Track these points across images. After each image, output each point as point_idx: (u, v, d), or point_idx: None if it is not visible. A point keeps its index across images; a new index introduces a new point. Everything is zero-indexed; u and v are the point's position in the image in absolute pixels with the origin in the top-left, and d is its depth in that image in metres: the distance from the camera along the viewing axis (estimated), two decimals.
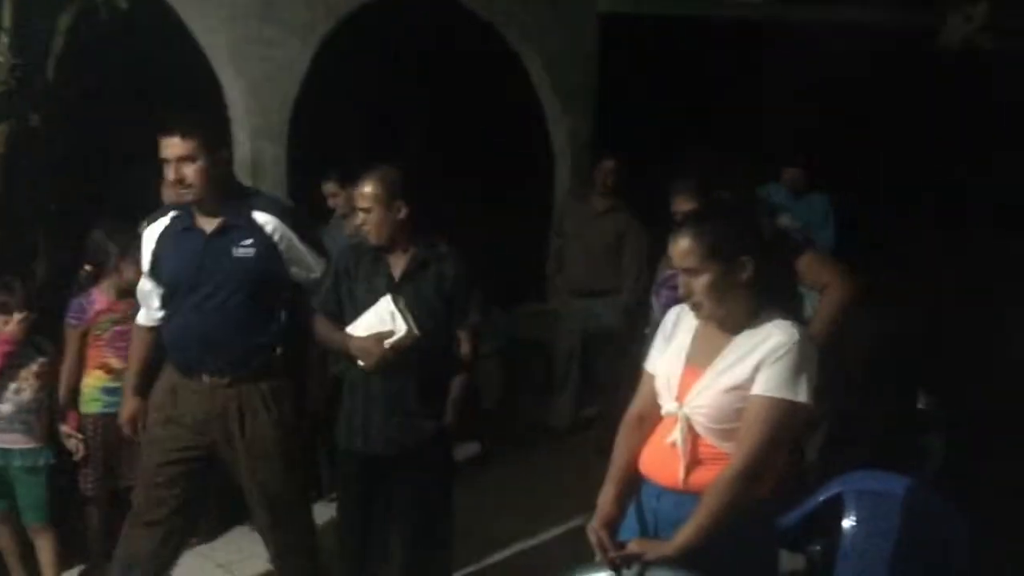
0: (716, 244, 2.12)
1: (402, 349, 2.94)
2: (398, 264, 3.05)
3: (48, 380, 3.43)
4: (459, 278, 3.06)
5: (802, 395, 2.08)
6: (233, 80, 4.75)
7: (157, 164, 3.97)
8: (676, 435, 2.16)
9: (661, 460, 2.21)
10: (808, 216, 5.35)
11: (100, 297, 3.51)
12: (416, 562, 3.16)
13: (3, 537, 3.47)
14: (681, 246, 2.15)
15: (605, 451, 2.35)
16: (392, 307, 2.94)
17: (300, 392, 3.09)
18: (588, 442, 5.14)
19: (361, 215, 3.02)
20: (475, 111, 6.10)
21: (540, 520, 4.35)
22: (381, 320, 2.94)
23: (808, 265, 3.15)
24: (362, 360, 2.99)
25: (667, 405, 2.22)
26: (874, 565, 2.70)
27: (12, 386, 3.35)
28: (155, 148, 4.01)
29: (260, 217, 2.91)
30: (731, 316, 2.17)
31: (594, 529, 2.15)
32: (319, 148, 5.08)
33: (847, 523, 2.80)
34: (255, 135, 4.82)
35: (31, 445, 3.36)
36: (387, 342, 2.93)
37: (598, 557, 2.11)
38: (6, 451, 3.34)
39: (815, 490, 2.95)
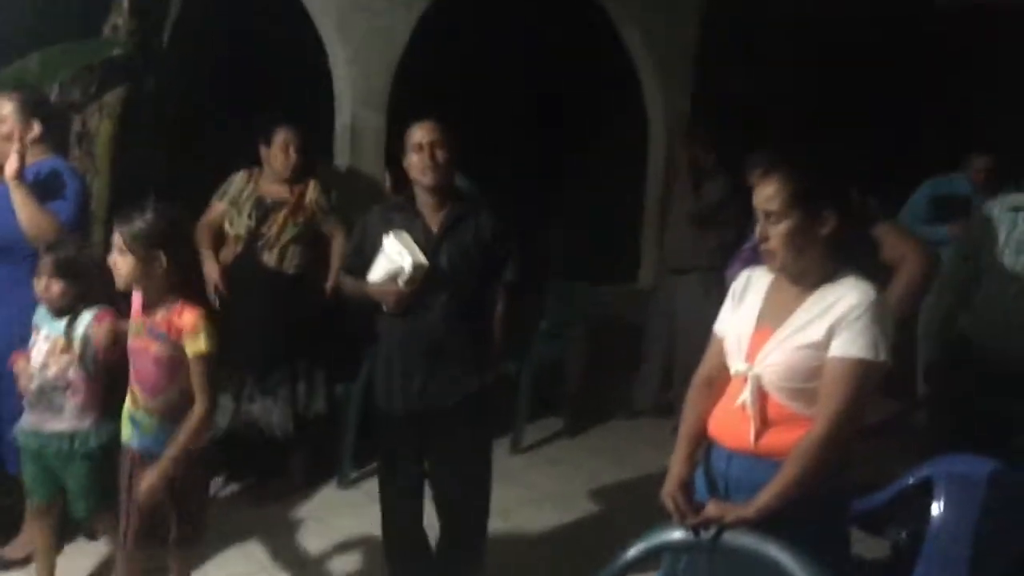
0: (801, 191, 2.10)
1: (417, 283, 2.94)
2: (435, 219, 3.05)
3: None
4: (496, 231, 3.05)
5: (882, 354, 2.05)
6: (339, 48, 4.85)
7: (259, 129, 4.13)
8: (746, 396, 2.14)
9: (730, 422, 2.19)
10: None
11: None
12: (457, 524, 3.19)
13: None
14: (767, 189, 2.13)
15: None
16: (398, 244, 2.94)
17: None
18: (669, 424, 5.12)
19: (422, 156, 2.97)
20: (572, 84, 6.08)
21: (617, 493, 4.37)
22: (391, 260, 2.95)
23: (885, 236, 3.06)
24: (384, 305, 3.02)
25: (736, 365, 2.19)
26: (960, 553, 2.59)
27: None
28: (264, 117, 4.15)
29: None
30: (806, 272, 2.14)
31: (669, 494, 2.14)
32: (418, 117, 5.15)
33: (936, 509, 2.70)
34: (357, 103, 4.93)
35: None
36: (400, 279, 2.94)
37: (675, 520, 2.11)
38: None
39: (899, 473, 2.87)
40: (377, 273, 3.00)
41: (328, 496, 4.16)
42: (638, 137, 6.27)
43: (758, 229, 2.16)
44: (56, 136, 3.57)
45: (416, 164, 3.00)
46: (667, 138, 6.18)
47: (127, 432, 2.79)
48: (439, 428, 3.07)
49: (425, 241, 3.00)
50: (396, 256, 2.93)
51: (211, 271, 4.01)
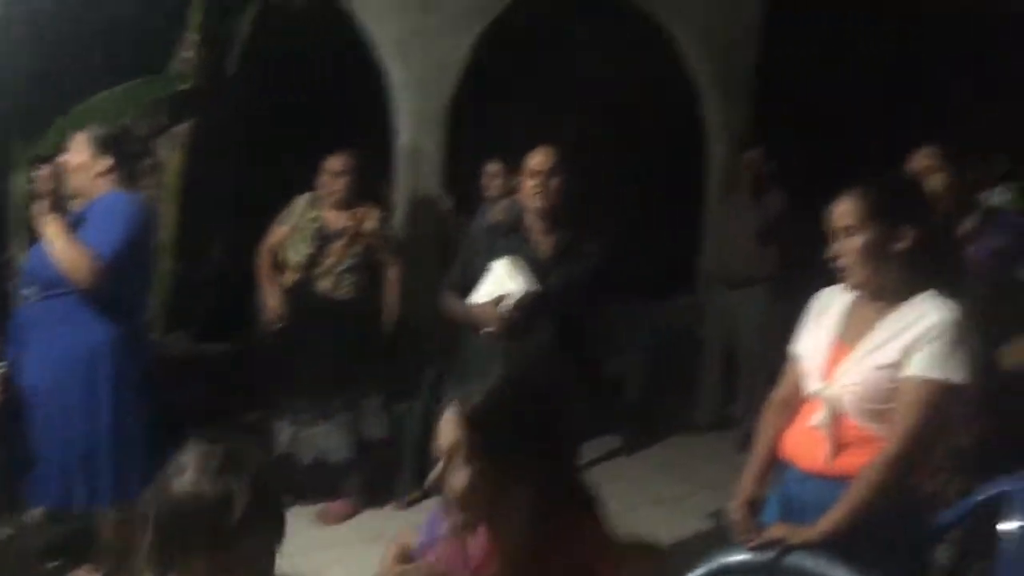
0: (876, 205, 2.05)
1: (524, 308, 2.96)
2: (545, 243, 3.07)
3: None
4: (603, 256, 3.10)
5: (960, 375, 1.99)
6: (398, 70, 4.93)
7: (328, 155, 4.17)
8: (821, 416, 2.10)
9: (805, 443, 2.16)
10: None
11: None
12: None
13: None
14: (841, 205, 2.09)
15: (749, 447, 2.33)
16: (508, 268, 2.96)
17: None
18: (731, 440, 5.07)
19: (537, 182, 3.04)
20: (626, 100, 6.06)
21: (680, 512, 4.32)
22: (499, 284, 2.97)
23: None
24: (486, 327, 3.01)
25: (813, 385, 2.16)
26: None
27: None
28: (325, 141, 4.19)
29: None
30: (885, 289, 2.09)
31: (736, 508, 2.13)
32: (477, 138, 5.19)
33: (1010, 527, 2.62)
34: (416, 123, 4.99)
35: None
36: (504, 304, 2.95)
37: (739, 537, 2.10)
38: None
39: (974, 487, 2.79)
40: (483, 295, 3.01)
41: (387, 517, 4.16)
42: (692, 149, 6.22)
43: (831, 247, 2.12)
44: (128, 170, 3.61)
45: (529, 190, 3.04)
46: (727, 150, 6.07)
47: None
48: None
49: (534, 266, 3.03)
50: (506, 280, 2.96)
51: (271, 298, 4.11)
